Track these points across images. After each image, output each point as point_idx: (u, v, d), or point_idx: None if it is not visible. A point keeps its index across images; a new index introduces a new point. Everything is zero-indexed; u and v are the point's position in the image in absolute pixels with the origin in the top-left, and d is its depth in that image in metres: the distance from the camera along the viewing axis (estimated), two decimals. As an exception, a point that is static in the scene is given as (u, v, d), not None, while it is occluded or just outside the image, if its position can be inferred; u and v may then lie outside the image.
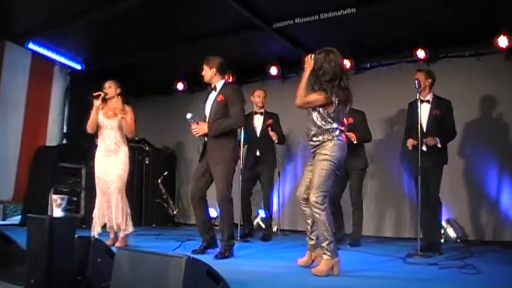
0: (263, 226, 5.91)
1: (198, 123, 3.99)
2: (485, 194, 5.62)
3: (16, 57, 6.52)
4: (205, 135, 3.99)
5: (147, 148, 7.76)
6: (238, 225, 5.33)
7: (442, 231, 5.26)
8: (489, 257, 4.37)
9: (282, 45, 6.25)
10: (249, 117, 5.48)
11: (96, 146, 4.68)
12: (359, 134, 5.01)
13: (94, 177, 4.59)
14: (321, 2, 5.25)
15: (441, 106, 4.51)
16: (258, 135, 5.65)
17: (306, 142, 3.49)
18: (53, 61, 7.11)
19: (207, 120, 4.03)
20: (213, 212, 5.22)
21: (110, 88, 4.57)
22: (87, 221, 5.82)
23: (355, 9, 5.15)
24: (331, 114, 3.31)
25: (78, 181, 6.72)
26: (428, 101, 4.52)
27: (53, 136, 7.18)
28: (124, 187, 4.51)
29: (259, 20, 5.62)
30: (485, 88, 5.69)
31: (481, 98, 5.73)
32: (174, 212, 7.57)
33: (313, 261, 3.51)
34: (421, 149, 4.26)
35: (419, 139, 4.26)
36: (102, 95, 4.50)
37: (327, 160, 3.26)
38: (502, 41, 5.32)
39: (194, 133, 4.00)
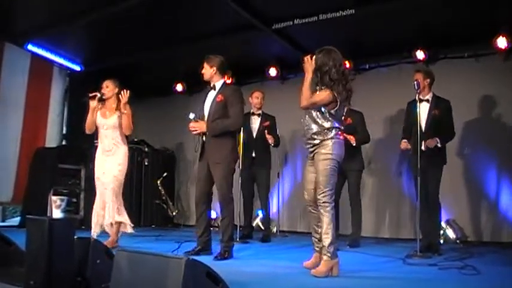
0: (262, 227, 5.91)
1: (197, 121, 3.99)
2: (485, 194, 5.63)
3: (15, 58, 6.53)
4: (203, 134, 3.98)
5: (146, 149, 7.76)
6: (238, 227, 5.33)
7: (442, 232, 5.26)
8: (488, 257, 4.37)
9: (281, 46, 6.26)
10: (246, 118, 5.47)
11: (95, 148, 4.66)
12: (358, 136, 5.02)
13: (94, 178, 4.56)
14: (320, 3, 5.26)
15: (440, 106, 4.51)
16: (255, 136, 5.63)
17: (304, 141, 3.47)
18: (52, 62, 7.11)
19: (205, 119, 4.02)
20: (212, 213, 5.22)
21: (108, 88, 4.52)
22: (86, 222, 5.81)
23: (354, 10, 5.15)
24: (333, 113, 3.31)
25: (77, 182, 6.72)
26: (427, 100, 4.52)
27: (52, 137, 7.19)
28: (120, 188, 4.47)
29: (259, 21, 5.63)
30: (485, 89, 5.69)
31: (481, 98, 5.74)
32: (174, 213, 7.57)
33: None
34: (420, 150, 4.26)
35: (419, 139, 4.26)
36: (99, 95, 4.46)
37: (329, 159, 3.26)
38: (501, 42, 5.33)
39: (192, 130, 3.99)
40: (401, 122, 4.95)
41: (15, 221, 6.87)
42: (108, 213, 4.38)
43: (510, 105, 5.53)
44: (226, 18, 5.66)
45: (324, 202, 3.22)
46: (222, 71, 4.11)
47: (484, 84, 5.68)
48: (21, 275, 2.35)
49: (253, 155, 5.57)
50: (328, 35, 5.68)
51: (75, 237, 2.40)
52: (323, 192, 3.23)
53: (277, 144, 5.73)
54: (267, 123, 5.67)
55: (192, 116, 3.99)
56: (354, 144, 4.95)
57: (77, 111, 6.92)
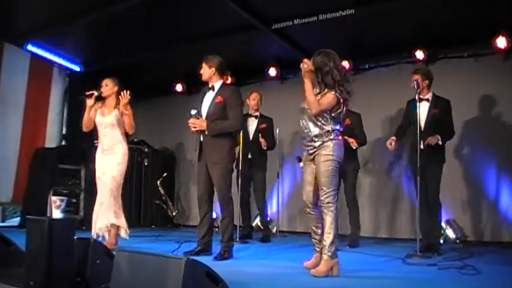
0: (261, 227, 5.91)
1: (198, 118, 3.97)
2: (485, 194, 5.63)
3: (15, 58, 6.53)
4: (202, 132, 3.97)
5: (146, 149, 7.76)
6: (238, 227, 5.33)
7: (442, 231, 5.26)
8: (488, 257, 4.37)
9: (281, 46, 6.26)
10: (244, 120, 5.45)
11: (95, 148, 4.61)
12: (357, 139, 5.02)
13: (94, 179, 4.50)
14: (319, 3, 5.26)
15: (440, 105, 4.52)
16: (251, 138, 5.61)
17: (303, 143, 3.47)
18: (52, 62, 7.11)
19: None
20: (213, 213, 5.21)
21: (107, 86, 4.46)
22: (86, 223, 5.81)
23: (353, 10, 5.15)
24: (334, 116, 3.32)
25: (77, 182, 6.71)
26: (427, 100, 4.53)
27: (52, 137, 7.19)
28: (118, 189, 4.37)
29: (258, 21, 5.63)
30: (484, 88, 5.69)
31: (480, 98, 5.74)
32: (173, 213, 7.57)
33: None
34: (420, 148, 4.26)
35: (418, 138, 4.26)
36: (96, 93, 4.41)
37: (330, 160, 3.27)
38: (501, 42, 5.34)
39: (192, 127, 3.95)
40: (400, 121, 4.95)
41: (15, 221, 6.87)
42: (102, 214, 4.26)
43: (510, 105, 5.53)
44: (226, 18, 5.66)
45: (327, 203, 3.23)
46: (220, 71, 4.09)
47: (483, 84, 5.68)
48: (21, 275, 2.35)
49: (250, 156, 5.56)
50: (328, 35, 5.70)
51: (75, 237, 2.40)
52: (326, 193, 3.23)
53: (271, 147, 5.69)
54: (264, 125, 5.65)
55: (193, 112, 3.98)
56: (355, 148, 4.96)
57: (76, 111, 6.88)
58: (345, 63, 6.15)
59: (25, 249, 2.40)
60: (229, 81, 6.77)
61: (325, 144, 3.28)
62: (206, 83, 4.14)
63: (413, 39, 5.80)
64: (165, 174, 7.63)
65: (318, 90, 3.35)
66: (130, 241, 4.61)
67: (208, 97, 4.07)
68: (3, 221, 7.46)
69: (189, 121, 3.95)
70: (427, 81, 4.50)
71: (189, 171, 7.77)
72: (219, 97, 4.00)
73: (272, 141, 5.71)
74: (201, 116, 4.02)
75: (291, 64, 6.37)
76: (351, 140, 4.87)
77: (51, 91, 7.21)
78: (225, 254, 3.89)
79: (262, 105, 5.73)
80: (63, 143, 7.44)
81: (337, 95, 3.27)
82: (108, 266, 2.11)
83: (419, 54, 5.87)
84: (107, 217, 4.28)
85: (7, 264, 2.72)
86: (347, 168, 5.00)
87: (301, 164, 3.90)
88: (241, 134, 5.19)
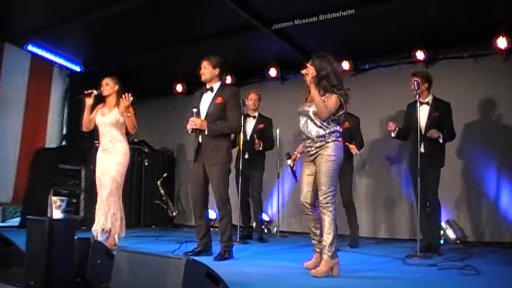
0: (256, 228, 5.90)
1: (198, 117, 3.97)
2: (485, 195, 5.62)
3: (15, 58, 6.53)
4: (201, 132, 3.95)
5: (146, 150, 7.75)
6: (238, 227, 5.33)
7: (442, 232, 5.26)
8: (488, 258, 4.37)
9: (281, 46, 6.25)
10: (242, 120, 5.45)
11: (96, 148, 4.60)
12: (355, 143, 5.01)
13: (95, 179, 4.47)
14: (320, 4, 5.25)
15: (440, 108, 4.52)
16: (248, 138, 5.60)
17: (303, 145, 3.48)
18: (52, 63, 7.11)
19: None
20: (212, 214, 5.21)
21: (108, 86, 4.44)
22: (86, 223, 5.81)
23: (354, 11, 5.15)
24: (336, 118, 3.34)
25: (77, 183, 6.70)
26: (428, 103, 4.53)
27: (52, 137, 7.19)
28: (118, 190, 4.33)
29: (258, 21, 5.62)
30: (484, 89, 5.69)
31: (480, 99, 5.73)
32: (174, 214, 7.57)
33: None
34: (420, 152, 4.26)
35: (418, 141, 4.26)
36: (95, 92, 4.39)
37: (331, 161, 3.28)
38: (501, 42, 5.33)
39: (192, 125, 3.93)
40: (401, 123, 4.94)
41: (15, 221, 6.88)
42: (104, 216, 4.21)
43: (510, 105, 5.53)
44: (226, 19, 5.66)
45: (326, 203, 3.24)
46: (223, 72, 4.10)
47: (483, 84, 5.68)
48: (21, 275, 2.35)
49: (247, 156, 5.54)
50: (328, 35, 5.70)
51: (75, 237, 2.40)
52: (326, 194, 3.24)
53: (267, 148, 5.67)
54: (261, 125, 5.64)
55: (195, 110, 3.98)
56: (355, 154, 4.97)
57: (77, 111, 6.92)
58: (345, 64, 6.16)
59: (25, 249, 2.41)
60: (229, 81, 6.78)
61: (327, 145, 3.30)
62: (204, 84, 4.12)
63: (413, 40, 5.79)
64: (165, 174, 7.63)
65: (326, 93, 3.36)
66: (130, 241, 4.61)
67: (207, 98, 4.06)
68: (3, 221, 7.46)
69: (190, 119, 3.94)
70: (426, 84, 4.50)
71: (189, 171, 7.75)
72: (219, 98, 3.99)
73: (269, 141, 5.69)
74: (200, 117, 4.02)
75: (291, 64, 6.38)
76: (351, 146, 4.88)
77: (51, 91, 7.21)
78: (225, 254, 3.89)
79: (261, 105, 5.73)
80: (64, 143, 7.44)
81: (340, 98, 3.29)
82: (109, 266, 2.11)
83: (420, 55, 5.87)
84: (104, 219, 4.22)
85: (7, 264, 2.72)
86: (344, 170, 4.99)
87: (289, 161, 3.92)
88: (241, 134, 5.19)
